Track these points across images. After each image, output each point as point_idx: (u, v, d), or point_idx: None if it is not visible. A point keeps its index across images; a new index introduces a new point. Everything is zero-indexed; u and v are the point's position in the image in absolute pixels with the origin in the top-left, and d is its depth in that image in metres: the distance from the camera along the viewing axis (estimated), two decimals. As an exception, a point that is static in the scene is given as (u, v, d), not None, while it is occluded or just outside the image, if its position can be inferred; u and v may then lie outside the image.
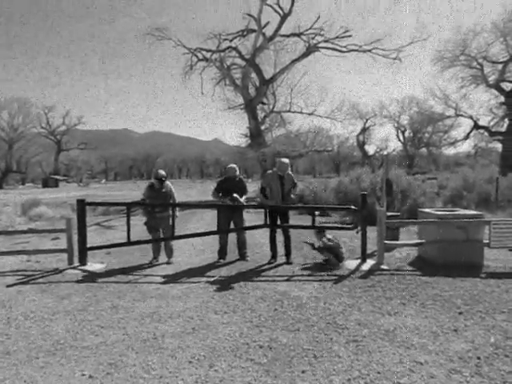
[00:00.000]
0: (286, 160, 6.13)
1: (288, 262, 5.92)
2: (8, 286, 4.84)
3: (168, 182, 6.26)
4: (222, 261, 6.10)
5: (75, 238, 5.85)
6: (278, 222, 6.11)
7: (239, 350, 3.01)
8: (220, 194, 6.18)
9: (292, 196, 6.08)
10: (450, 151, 49.21)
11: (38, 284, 4.95)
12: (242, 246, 6.26)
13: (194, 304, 4.09)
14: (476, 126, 31.81)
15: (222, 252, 6.21)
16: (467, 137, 33.62)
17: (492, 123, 31.00)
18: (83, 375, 2.67)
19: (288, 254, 6.04)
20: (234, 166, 6.33)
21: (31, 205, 13.16)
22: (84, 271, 5.56)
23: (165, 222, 6.11)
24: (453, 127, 39.34)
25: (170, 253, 6.15)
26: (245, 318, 3.67)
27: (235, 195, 6.01)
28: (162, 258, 6.17)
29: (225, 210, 6.17)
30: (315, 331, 3.35)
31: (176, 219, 6.11)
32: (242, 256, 6.23)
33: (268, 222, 6.06)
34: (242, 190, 6.20)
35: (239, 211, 6.23)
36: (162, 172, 6.25)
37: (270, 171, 6.31)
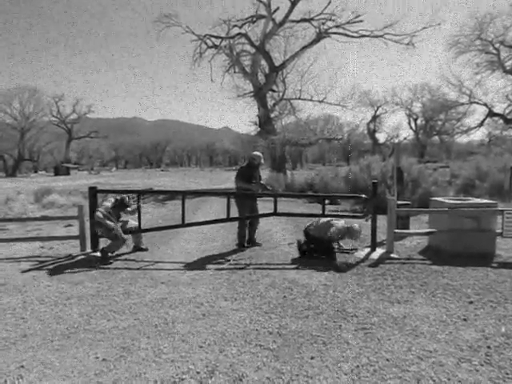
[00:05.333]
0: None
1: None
2: (23, 272, 4.96)
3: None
4: (242, 248, 6.16)
5: (87, 224, 5.94)
6: None
7: (249, 336, 3.05)
8: (253, 182, 6.26)
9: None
10: (462, 139, 48.23)
11: (52, 270, 5.06)
12: (253, 232, 6.41)
13: (204, 290, 4.15)
14: (490, 114, 31.13)
15: (244, 240, 6.31)
16: (481, 124, 32.96)
17: (507, 110, 30.30)
18: (97, 358, 2.74)
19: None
20: (260, 154, 6.46)
21: (44, 192, 13.36)
22: (96, 257, 5.65)
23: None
24: (466, 115, 38.56)
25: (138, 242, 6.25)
26: (254, 305, 3.70)
27: (263, 183, 6.36)
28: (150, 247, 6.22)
29: (248, 199, 6.23)
30: (324, 318, 3.36)
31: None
32: (255, 242, 6.38)
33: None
34: (260, 178, 6.46)
35: (256, 199, 6.39)
36: None
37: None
